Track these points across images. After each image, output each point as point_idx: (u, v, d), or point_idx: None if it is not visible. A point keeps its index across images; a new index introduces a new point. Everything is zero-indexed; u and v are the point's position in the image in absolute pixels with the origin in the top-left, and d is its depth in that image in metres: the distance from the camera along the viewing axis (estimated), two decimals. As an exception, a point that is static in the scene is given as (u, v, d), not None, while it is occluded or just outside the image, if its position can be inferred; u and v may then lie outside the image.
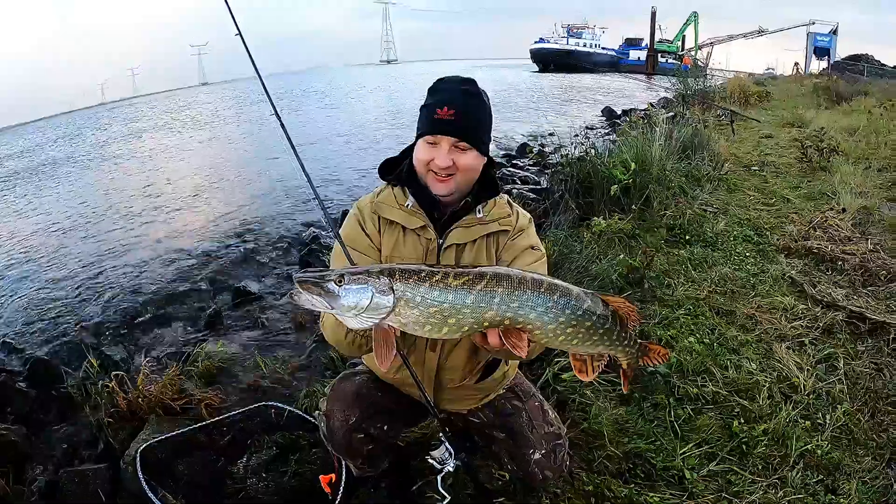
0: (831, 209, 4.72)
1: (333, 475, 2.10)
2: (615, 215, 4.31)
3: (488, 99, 1.55)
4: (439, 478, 1.72)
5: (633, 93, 23.60)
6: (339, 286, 1.18)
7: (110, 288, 5.04)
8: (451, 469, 1.71)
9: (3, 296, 5.16)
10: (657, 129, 5.87)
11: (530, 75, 43.97)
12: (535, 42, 54.15)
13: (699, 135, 6.88)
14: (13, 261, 6.22)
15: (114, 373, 3.00)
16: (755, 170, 6.60)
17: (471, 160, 1.48)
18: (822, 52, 45.00)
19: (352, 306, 1.18)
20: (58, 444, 2.88)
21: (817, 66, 43.73)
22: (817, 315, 3.05)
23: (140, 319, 4.31)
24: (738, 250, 3.99)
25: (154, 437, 2.42)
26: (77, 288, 5.11)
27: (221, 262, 5.43)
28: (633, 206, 4.39)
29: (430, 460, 1.80)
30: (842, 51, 43.29)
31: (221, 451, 2.44)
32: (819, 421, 2.23)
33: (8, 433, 2.83)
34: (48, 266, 5.91)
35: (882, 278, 3.54)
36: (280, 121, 1.82)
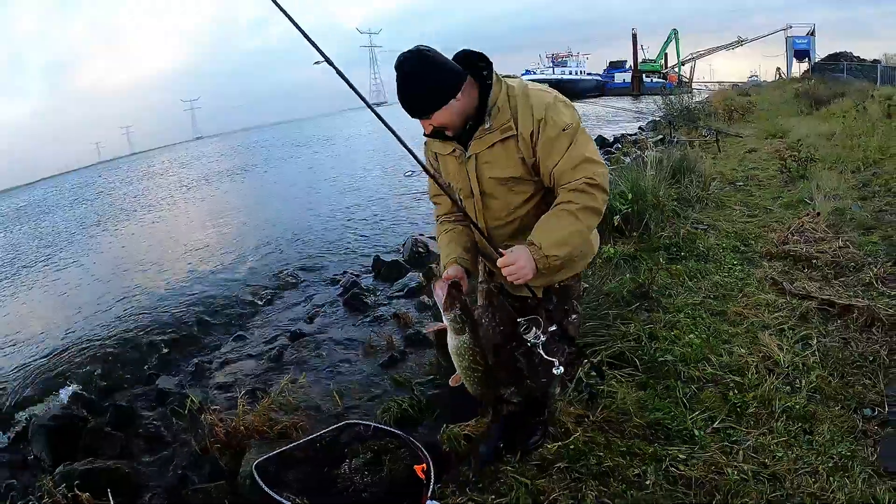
0: (807, 214, 5.39)
1: (424, 465, 2.66)
2: (618, 241, 5.01)
3: (429, 54, 1.80)
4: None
5: (621, 117, 24.49)
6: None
7: (174, 331, 5.84)
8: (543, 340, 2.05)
9: (76, 341, 5.95)
10: (647, 154, 6.61)
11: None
12: (522, 74, 54.99)
13: (687, 158, 7.59)
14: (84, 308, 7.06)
15: (212, 407, 3.69)
16: (740, 185, 7.31)
17: (442, 117, 1.85)
18: (802, 54, 45.86)
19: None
20: (159, 474, 3.53)
21: (798, 68, 44.63)
22: (794, 306, 3.69)
23: (212, 359, 5.10)
24: (726, 260, 4.64)
25: (261, 456, 2.88)
26: (143, 332, 5.91)
27: (268, 307, 6.25)
28: (634, 233, 5.08)
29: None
30: (821, 51, 43.95)
31: (322, 461, 2.87)
32: (797, 385, 2.85)
33: (120, 467, 3.48)
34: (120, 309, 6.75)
35: (851, 269, 4.19)
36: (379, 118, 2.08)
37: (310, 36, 1.86)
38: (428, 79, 1.80)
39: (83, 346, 5.86)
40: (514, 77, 1.97)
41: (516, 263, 1.80)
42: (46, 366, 5.49)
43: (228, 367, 4.93)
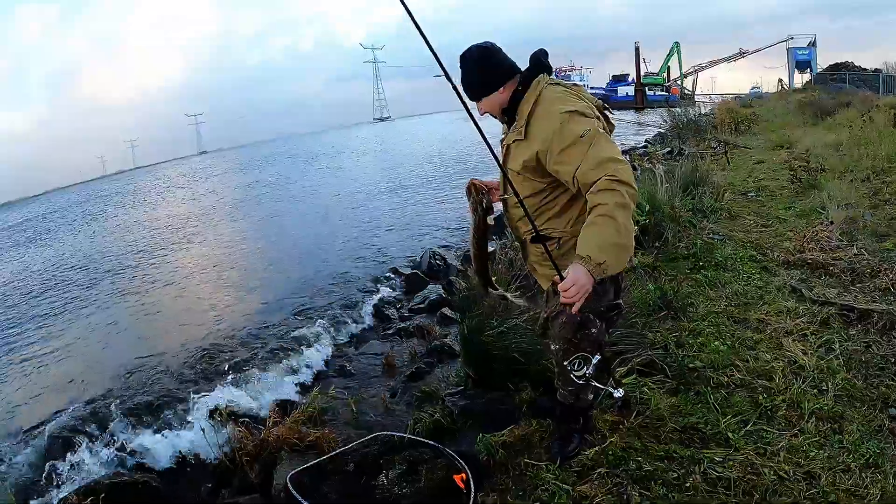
0: (821, 223, 5.50)
1: (464, 474, 2.72)
2: (638, 252, 5.12)
3: (476, 51, 2.20)
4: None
5: (626, 130, 24.73)
6: None
7: (199, 346, 5.97)
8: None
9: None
10: (658, 167, 6.75)
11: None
12: None
13: (699, 170, 7.72)
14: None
15: (242, 419, 3.78)
16: (752, 195, 7.43)
17: (483, 105, 2.25)
18: (803, 65, 46.04)
19: None
20: (189, 487, 3.60)
21: (801, 79, 44.80)
22: (815, 312, 3.79)
23: (237, 372, 5.25)
24: (744, 269, 4.73)
25: (295, 468, 2.94)
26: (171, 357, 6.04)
27: (290, 320, 6.39)
28: (655, 244, 5.20)
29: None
30: (822, 61, 44.13)
31: (356, 473, 2.91)
32: (823, 388, 2.96)
33: (148, 481, 3.54)
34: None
35: (867, 275, 4.29)
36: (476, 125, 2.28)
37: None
38: (469, 71, 2.20)
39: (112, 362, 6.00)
40: (558, 85, 2.18)
41: (576, 283, 1.88)
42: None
43: (253, 380, 5.03)
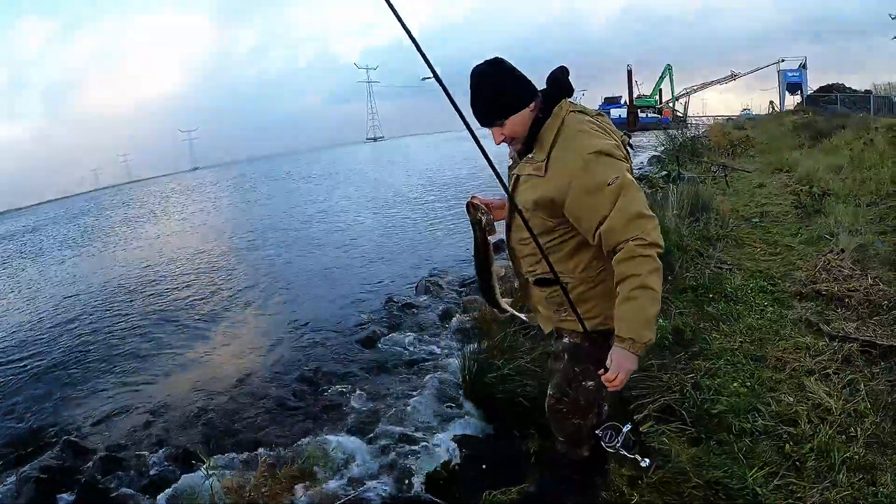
0: (831, 251, 5.38)
1: None
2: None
3: (491, 72, 1.90)
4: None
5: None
6: None
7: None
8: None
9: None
10: (660, 193, 6.65)
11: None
12: None
13: (701, 195, 7.62)
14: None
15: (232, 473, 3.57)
16: (756, 221, 7.32)
17: (511, 127, 1.92)
18: (794, 87, 46.58)
19: None
20: None
21: (792, 101, 45.31)
22: (835, 349, 3.64)
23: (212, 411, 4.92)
24: (756, 301, 4.60)
25: None
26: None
27: (276, 349, 6.11)
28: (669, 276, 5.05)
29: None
30: (813, 83, 44.64)
31: None
32: (852, 433, 2.79)
33: None
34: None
35: (885, 308, 4.15)
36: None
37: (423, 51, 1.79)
38: (481, 95, 1.91)
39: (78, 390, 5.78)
40: (582, 113, 1.95)
41: (621, 371, 1.81)
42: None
43: (231, 412, 4.78)
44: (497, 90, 1.90)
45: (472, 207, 2.19)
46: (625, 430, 2.06)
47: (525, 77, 1.92)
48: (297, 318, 7.24)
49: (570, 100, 1.96)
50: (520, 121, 1.92)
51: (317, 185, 30.70)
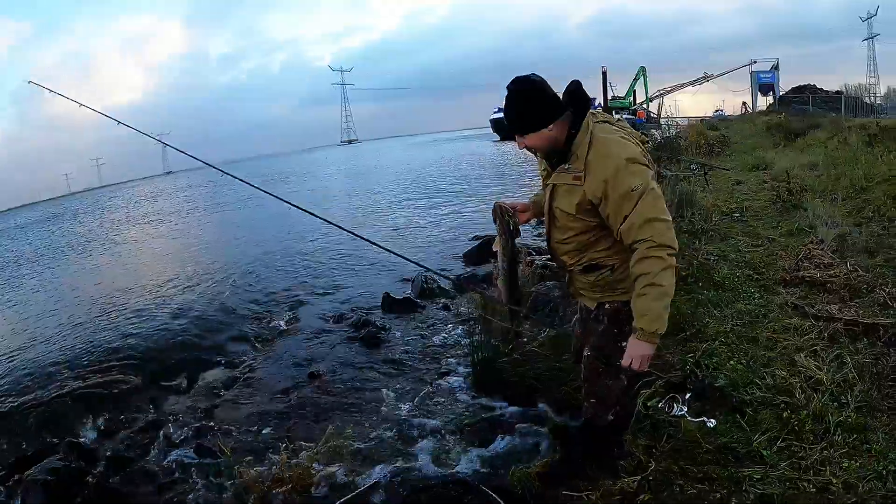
0: (812, 241, 5.69)
1: None
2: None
3: (529, 85, 2.13)
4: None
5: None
6: None
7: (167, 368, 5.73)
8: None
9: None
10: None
11: (492, 145, 46.26)
12: (495, 112, 51.92)
13: (684, 192, 7.92)
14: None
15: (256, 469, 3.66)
16: (737, 216, 7.64)
17: (530, 140, 2.19)
18: (766, 88, 47.62)
19: None
20: None
21: (764, 102, 46.32)
22: (821, 328, 3.91)
23: (220, 400, 4.99)
24: (744, 288, 4.86)
25: None
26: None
27: (277, 344, 6.20)
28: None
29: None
30: (785, 84, 45.62)
31: None
32: (843, 401, 3.05)
33: None
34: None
35: (864, 291, 4.45)
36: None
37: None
38: (519, 104, 2.16)
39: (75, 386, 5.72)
40: (607, 123, 2.23)
41: (635, 357, 2.14)
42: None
43: (240, 411, 4.78)
44: (520, 110, 2.16)
45: (499, 211, 2.42)
46: (685, 398, 2.33)
47: (553, 97, 2.16)
48: (297, 317, 7.36)
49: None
50: (537, 138, 2.17)
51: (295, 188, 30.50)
